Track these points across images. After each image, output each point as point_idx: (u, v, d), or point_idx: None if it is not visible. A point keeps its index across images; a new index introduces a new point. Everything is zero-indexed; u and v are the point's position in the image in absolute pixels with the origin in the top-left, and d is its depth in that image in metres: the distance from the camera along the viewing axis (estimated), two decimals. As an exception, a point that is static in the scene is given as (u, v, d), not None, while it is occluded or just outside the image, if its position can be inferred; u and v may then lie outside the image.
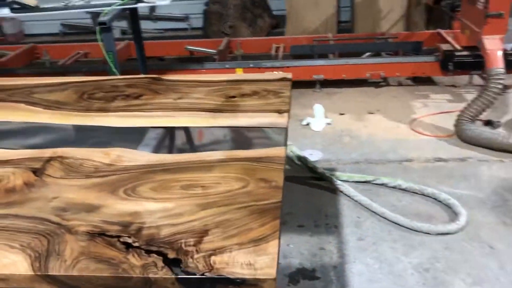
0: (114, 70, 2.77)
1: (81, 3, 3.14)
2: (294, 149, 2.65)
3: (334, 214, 2.31)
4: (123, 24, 5.71)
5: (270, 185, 1.11)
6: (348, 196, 2.42)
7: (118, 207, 1.06)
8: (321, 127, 3.27)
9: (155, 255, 0.90)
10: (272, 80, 1.77)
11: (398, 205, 2.36)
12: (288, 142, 2.69)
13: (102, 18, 2.69)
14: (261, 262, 0.87)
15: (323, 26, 5.16)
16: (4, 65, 4.28)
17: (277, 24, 5.66)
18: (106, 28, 2.68)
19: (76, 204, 1.08)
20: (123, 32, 5.80)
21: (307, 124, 3.33)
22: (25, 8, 3.02)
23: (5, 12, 3.00)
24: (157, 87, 1.76)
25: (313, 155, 2.88)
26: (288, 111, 1.50)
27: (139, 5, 3.00)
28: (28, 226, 1.01)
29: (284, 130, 1.40)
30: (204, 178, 1.15)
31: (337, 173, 2.61)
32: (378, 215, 2.27)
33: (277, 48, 4.45)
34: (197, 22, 5.72)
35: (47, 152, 1.32)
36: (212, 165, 1.21)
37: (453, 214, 2.25)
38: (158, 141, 1.40)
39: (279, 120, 1.44)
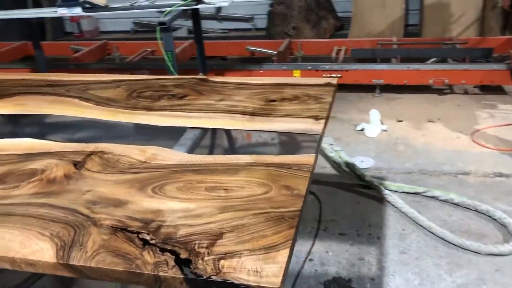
0: (172, 69, 2.87)
1: (146, 3, 3.28)
2: (343, 155, 2.60)
3: (378, 224, 2.25)
4: (190, 23, 5.87)
5: (292, 193, 1.11)
6: (395, 207, 2.34)
7: (144, 204, 1.11)
8: (376, 134, 3.18)
9: (169, 254, 0.93)
10: (315, 85, 1.75)
11: (448, 220, 2.25)
12: (338, 147, 2.66)
13: (162, 19, 2.79)
14: (268, 270, 0.87)
15: (389, 29, 5.01)
16: (77, 60, 4.57)
17: (342, 26, 5.58)
18: (165, 28, 2.78)
19: (106, 199, 1.14)
20: (190, 31, 5.97)
21: (362, 130, 3.26)
22: (95, 7, 3.20)
23: (78, 11, 3.20)
24: (202, 88, 1.81)
25: (364, 162, 2.81)
26: (325, 117, 1.48)
27: (200, 6, 3.08)
28: (59, 216, 1.08)
29: (319, 137, 1.38)
30: (229, 181, 1.17)
31: (387, 183, 2.53)
32: (425, 229, 2.17)
33: (338, 51, 4.38)
34: (262, 22, 5.77)
35: (90, 147, 1.40)
36: (239, 168, 1.22)
37: (508, 235, 2.11)
38: (194, 141, 1.43)
39: (315, 126, 1.43)
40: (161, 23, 2.76)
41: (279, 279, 0.85)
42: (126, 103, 1.71)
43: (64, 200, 1.14)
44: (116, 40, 5.54)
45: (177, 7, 2.93)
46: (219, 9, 5.92)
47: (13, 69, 4.51)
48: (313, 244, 2.13)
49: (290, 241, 0.95)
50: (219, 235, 0.98)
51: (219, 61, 4.96)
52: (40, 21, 5.79)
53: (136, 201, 1.12)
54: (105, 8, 3.20)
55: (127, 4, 3.26)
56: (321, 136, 1.39)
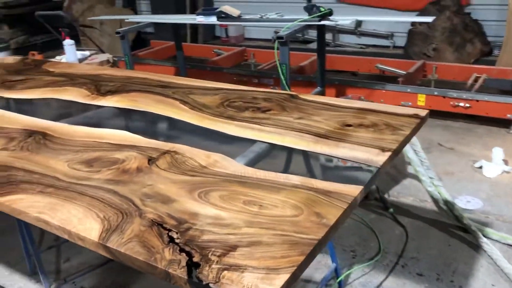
0: (284, 82, 2.97)
1: (274, 16, 3.44)
2: (443, 191, 2.42)
3: (464, 273, 2.05)
4: (328, 36, 5.94)
5: (320, 221, 1.12)
6: (491, 258, 2.11)
7: (186, 205, 1.22)
8: (495, 174, 2.88)
9: (184, 255, 1.03)
10: (400, 115, 1.69)
11: (552, 286, 1.96)
12: (438, 182, 2.48)
13: (280, 33, 2.91)
14: (260, 290, 0.91)
15: (545, 59, 4.44)
16: (215, 63, 4.96)
17: (490, 51, 5.10)
18: (283, 42, 2.89)
19: (159, 194, 1.28)
20: (326, 44, 6.04)
21: (480, 168, 2.97)
22: (229, 17, 3.46)
23: (213, 19, 3.50)
24: (288, 104, 1.87)
25: (471, 203, 2.58)
26: (392, 150, 1.43)
27: (323, 22, 3.13)
28: (117, 203, 1.25)
29: (376, 170, 1.34)
30: (267, 198, 1.22)
31: (488, 230, 2.29)
32: (520, 290, 1.93)
33: (477, 78, 4.04)
34: (401, 41, 5.57)
35: (168, 146, 1.57)
36: (283, 188, 1.26)
37: None
38: (256, 155, 1.51)
39: (378, 158, 1.39)
40: (279, 37, 2.88)
41: (267, 301, 0.89)
42: (215, 111, 1.85)
43: (126, 190, 1.31)
44: (255, 47, 5.84)
45: (299, 22, 3.02)
46: (358, 24, 5.87)
47: (160, 65, 5.07)
48: (385, 278, 2.04)
49: (294, 268, 0.96)
50: (234, 247, 1.04)
51: (348, 76, 4.94)
52: (195, 25, 6.40)
53: (181, 201, 1.23)
54: (236, 18, 3.44)
55: (257, 16, 3.46)
56: (380, 169, 1.35)
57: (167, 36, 6.19)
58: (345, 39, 6.12)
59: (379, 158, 1.39)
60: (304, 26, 3.11)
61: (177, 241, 1.08)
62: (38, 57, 4.52)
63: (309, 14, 3.17)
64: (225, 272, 0.96)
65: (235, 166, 1.41)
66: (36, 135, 1.74)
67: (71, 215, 1.21)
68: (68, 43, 3.75)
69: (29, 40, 7.32)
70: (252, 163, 1.44)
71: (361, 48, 5.91)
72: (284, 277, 0.94)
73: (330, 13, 3.08)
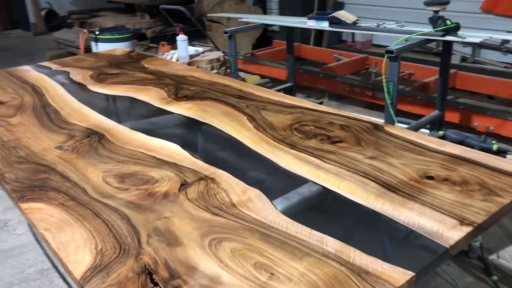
0: (389, 103, 2.61)
1: (393, 26, 3.06)
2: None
3: None
4: (466, 50, 5.26)
5: (336, 315, 0.84)
6: None
7: (190, 253, 1.02)
8: None
9: (154, 324, 0.84)
10: (504, 172, 1.29)
11: None
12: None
13: (391, 46, 2.55)
14: None
15: None
16: (329, 70, 4.67)
17: None
18: (393, 57, 2.53)
19: (170, 233, 1.10)
20: (464, 59, 5.35)
21: None
22: (342, 23, 3.18)
23: (324, 25, 3.24)
24: (366, 137, 1.56)
25: None
26: (476, 225, 1.07)
27: (447, 38, 2.68)
28: (123, 234, 1.11)
29: (444, 250, 1.00)
30: (284, 266, 0.97)
31: None
32: None
33: None
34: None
35: (209, 171, 1.39)
36: (309, 254, 1.00)
37: None
38: (301, 199, 1.25)
39: (450, 232, 1.05)
40: (388, 51, 2.53)
41: None
42: (279, 134, 1.63)
43: (140, 219, 1.16)
44: (381, 55, 5.42)
45: (416, 35, 2.62)
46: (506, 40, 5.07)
47: (273, 67, 4.95)
48: None
49: None
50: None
51: (483, 99, 4.29)
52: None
53: (188, 247, 1.05)
54: (349, 25, 3.14)
55: (374, 25, 3.11)
56: (448, 250, 1.01)
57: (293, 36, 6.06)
58: (488, 55, 5.35)
59: (452, 234, 1.04)
60: (423, 40, 2.69)
61: (156, 298, 0.89)
62: (166, 48, 4.70)
63: (433, 27, 2.74)
64: None
65: (268, 211, 1.18)
66: (94, 136, 1.69)
67: (72, 240, 1.10)
68: (181, 38, 3.80)
69: (165, 31, 7.77)
70: (291, 210, 1.20)
71: (505, 67, 5.12)
72: None
73: (456, 27, 2.62)
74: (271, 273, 0.95)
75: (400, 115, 4.02)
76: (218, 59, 3.96)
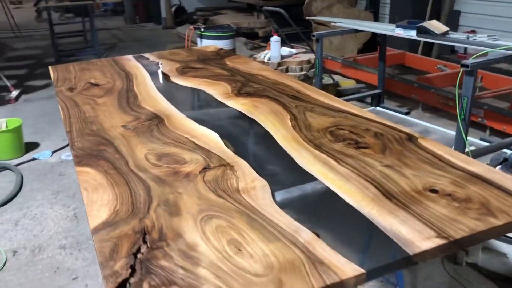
0: (460, 119, 2.51)
1: (484, 39, 2.91)
2: None
3: None
4: None
5: (274, 292, 0.94)
6: None
7: (183, 224, 1.19)
8: None
9: (129, 272, 1.02)
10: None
11: None
12: None
13: (468, 60, 2.45)
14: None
15: None
16: (426, 80, 4.51)
17: None
18: (468, 71, 2.43)
19: (176, 206, 1.28)
20: None
21: None
22: (430, 33, 3.10)
23: (412, 34, 3.19)
24: (395, 146, 1.59)
25: None
26: (451, 240, 1.08)
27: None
28: (140, 200, 1.32)
29: (404, 256, 1.04)
30: (254, 245, 1.09)
31: None
32: None
33: None
34: None
35: (233, 159, 1.55)
36: (280, 240, 1.11)
37: None
38: (301, 195, 1.34)
39: (421, 242, 1.07)
40: (464, 65, 2.43)
41: None
42: (312, 134, 1.72)
43: (159, 191, 1.36)
44: (492, 70, 5.06)
45: (501, 49, 2.48)
46: None
47: (368, 72, 4.90)
48: None
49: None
50: (171, 283, 0.98)
51: None
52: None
53: (183, 219, 1.22)
54: (437, 36, 3.05)
55: (463, 37, 2.99)
56: (411, 257, 1.04)
57: (397, 43, 5.93)
58: None
59: (422, 244, 1.07)
60: (509, 55, 2.53)
61: (138, 255, 1.08)
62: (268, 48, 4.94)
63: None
64: None
65: (265, 200, 1.30)
66: (155, 120, 1.94)
67: (100, 200, 1.33)
68: (273, 39, 3.99)
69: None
70: (287, 202, 1.31)
71: None
72: (174, 336, 0.85)
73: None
74: (239, 249, 1.08)
75: (495, 134, 3.77)
76: (308, 61, 4.07)
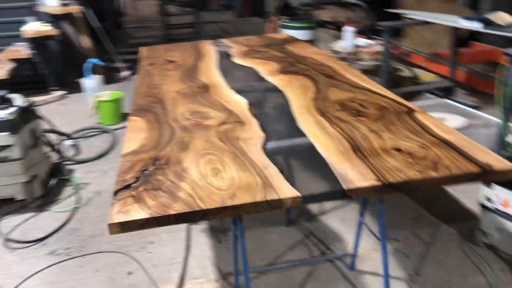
0: (502, 107, 2.53)
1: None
2: None
3: None
4: None
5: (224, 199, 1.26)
6: None
7: (187, 159, 1.55)
8: None
9: (134, 181, 1.41)
10: (472, 159, 1.40)
11: None
12: None
13: (510, 49, 2.46)
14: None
15: None
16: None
17: None
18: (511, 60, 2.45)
19: (186, 144, 1.65)
20: None
21: None
22: (494, 25, 3.09)
23: (476, 25, 3.19)
24: (390, 117, 1.79)
25: None
26: (388, 183, 1.29)
27: None
28: (165, 139, 1.70)
29: (338, 189, 1.28)
30: (229, 172, 1.41)
31: None
32: None
33: None
34: None
35: (246, 118, 1.87)
36: (249, 171, 1.41)
37: None
38: (288, 146, 1.62)
39: (358, 181, 1.30)
40: (507, 54, 2.45)
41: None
42: (323, 104, 1.97)
43: (181, 133, 1.74)
44: None
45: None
46: None
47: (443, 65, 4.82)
48: None
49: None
50: (158, 188, 1.34)
51: None
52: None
53: (188, 154, 1.57)
54: (503, 28, 3.03)
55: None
56: (345, 191, 1.28)
57: (494, 39, 5.69)
58: None
59: (359, 182, 1.30)
60: None
61: (145, 172, 1.46)
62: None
63: None
64: (131, 199, 1.30)
65: (256, 147, 1.60)
66: (203, 88, 2.33)
67: (136, 137, 1.74)
68: (347, 29, 4.17)
69: (375, 24, 8.06)
70: (274, 151, 1.59)
71: None
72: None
73: None
74: (216, 174, 1.41)
75: None
76: (381, 52, 4.18)
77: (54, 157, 3.43)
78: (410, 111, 1.84)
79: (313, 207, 2.72)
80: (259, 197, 1.27)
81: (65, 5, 5.01)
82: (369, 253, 2.35)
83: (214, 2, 16.38)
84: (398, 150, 1.50)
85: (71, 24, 5.54)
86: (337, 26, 8.07)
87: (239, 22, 11.66)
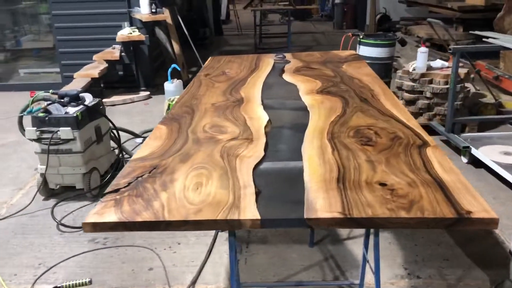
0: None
1: None
2: None
3: None
4: None
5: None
6: None
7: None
8: None
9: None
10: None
11: None
12: None
13: None
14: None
15: None
16: None
17: None
18: None
19: (189, 154, 1.75)
20: None
21: None
22: None
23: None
24: (396, 149, 1.73)
25: None
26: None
27: None
28: (177, 146, 1.83)
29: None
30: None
31: None
32: None
33: None
34: None
35: (258, 133, 1.92)
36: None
37: None
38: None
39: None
40: None
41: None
42: (340, 130, 1.96)
43: (190, 146, 1.85)
44: None
45: None
46: None
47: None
48: None
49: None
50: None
51: None
52: None
53: (178, 169, 1.68)
54: None
55: None
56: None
57: None
58: None
59: (318, 214, 1.30)
60: None
61: (139, 178, 1.59)
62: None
63: None
64: (112, 202, 1.44)
65: (248, 165, 1.66)
66: (237, 102, 2.42)
67: (151, 144, 1.89)
68: (421, 50, 4.00)
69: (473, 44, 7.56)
70: (263, 170, 1.64)
71: None
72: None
73: None
74: (197, 188, 1.49)
75: None
76: (468, 73, 3.94)
77: (119, 153, 3.77)
78: (423, 145, 1.77)
79: (343, 231, 2.67)
80: (220, 216, 1.33)
81: (154, 13, 5.44)
82: (384, 286, 2.26)
83: (317, 12, 16.47)
84: (383, 185, 1.46)
85: (163, 30, 5.98)
86: (435, 45, 7.71)
87: (335, 33, 11.60)
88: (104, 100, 5.71)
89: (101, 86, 5.60)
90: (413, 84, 4.13)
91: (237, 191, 1.47)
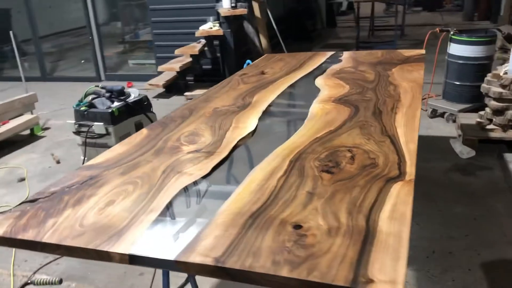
0: None
1: None
2: None
3: None
4: None
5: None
6: None
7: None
8: None
9: (49, 194, 1.49)
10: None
11: None
12: None
13: None
14: None
15: None
16: None
17: None
18: None
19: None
20: None
21: None
22: None
23: None
24: (357, 181, 1.41)
25: None
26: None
27: None
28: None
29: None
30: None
31: None
32: None
33: None
34: None
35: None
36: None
37: None
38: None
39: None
40: None
41: None
42: (318, 150, 1.67)
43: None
44: None
45: None
46: None
47: None
48: None
49: (9, 235, 1.26)
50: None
51: None
52: None
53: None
54: None
55: None
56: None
57: None
58: None
59: (190, 258, 1.09)
60: None
61: (67, 189, 1.53)
62: None
63: None
64: (17, 214, 1.39)
65: (179, 186, 1.49)
66: (240, 107, 2.24)
67: (113, 150, 1.82)
68: (513, 50, 3.31)
69: None
70: (191, 195, 1.46)
71: None
72: (0, 233, 1.28)
73: None
74: (103, 207, 1.38)
75: None
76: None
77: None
78: (396, 177, 1.41)
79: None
80: (91, 245, 1.20)
81: (234, 7, 5.38)
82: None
83: (449, 2, 15.03)
84: (298, 227, 1.19)
85: (252, 24, 5.92)
86: None
87: (461, 26, 10.38)
88: (186, 93, 5.88)
89: (185, 79, 5.76)
90: (502, 90, 3.43)
91: (138, 213, 1.32)
